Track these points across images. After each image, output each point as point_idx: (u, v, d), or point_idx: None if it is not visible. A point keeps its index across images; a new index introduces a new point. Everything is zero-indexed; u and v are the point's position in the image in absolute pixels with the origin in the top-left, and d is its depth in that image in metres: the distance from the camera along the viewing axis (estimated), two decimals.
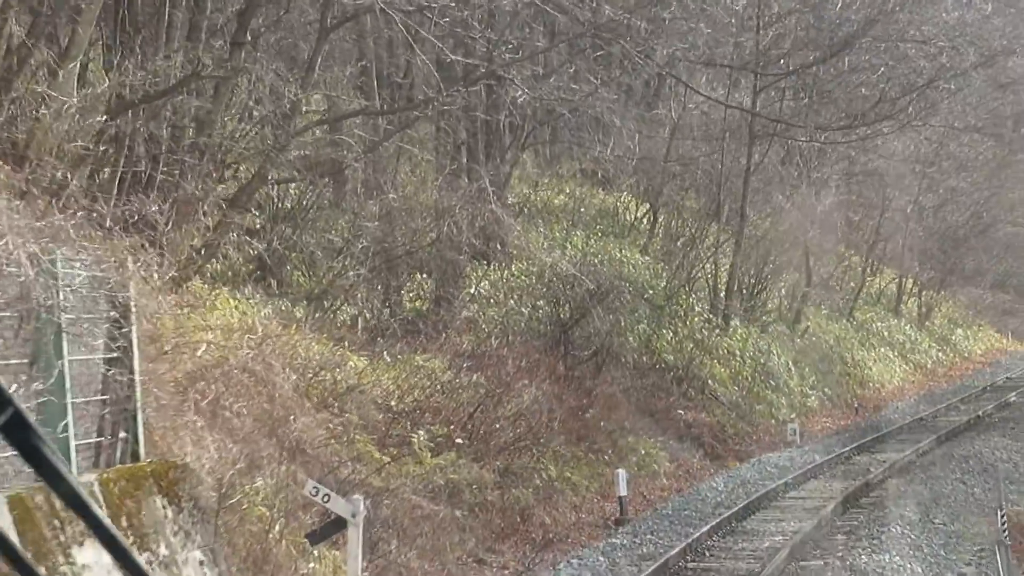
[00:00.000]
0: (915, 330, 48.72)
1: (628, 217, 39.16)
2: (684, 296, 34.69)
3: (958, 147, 51.44)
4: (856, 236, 43.07)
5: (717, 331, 34.78)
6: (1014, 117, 61.29)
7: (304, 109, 24.21)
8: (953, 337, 51.63)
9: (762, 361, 35.08)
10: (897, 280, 50.68)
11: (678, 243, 36.84)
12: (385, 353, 23.51)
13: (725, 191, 37.14)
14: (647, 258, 36.56)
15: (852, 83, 39.80)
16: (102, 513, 1.97)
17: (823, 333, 41.08)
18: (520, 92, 24.61)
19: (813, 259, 40.32)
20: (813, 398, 35.89)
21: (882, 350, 43.88)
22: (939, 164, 49.27)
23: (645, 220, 39.25)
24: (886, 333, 45.80)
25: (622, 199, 40.30)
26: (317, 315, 23.77)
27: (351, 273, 25.33)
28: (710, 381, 32.80)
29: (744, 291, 37.71)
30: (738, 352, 34.75)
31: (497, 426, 23.07)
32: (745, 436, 31.59)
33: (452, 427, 22.07)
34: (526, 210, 36.15)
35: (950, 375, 46.05)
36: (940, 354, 48.57)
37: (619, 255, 35.21)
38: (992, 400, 37.00)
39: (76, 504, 1.93)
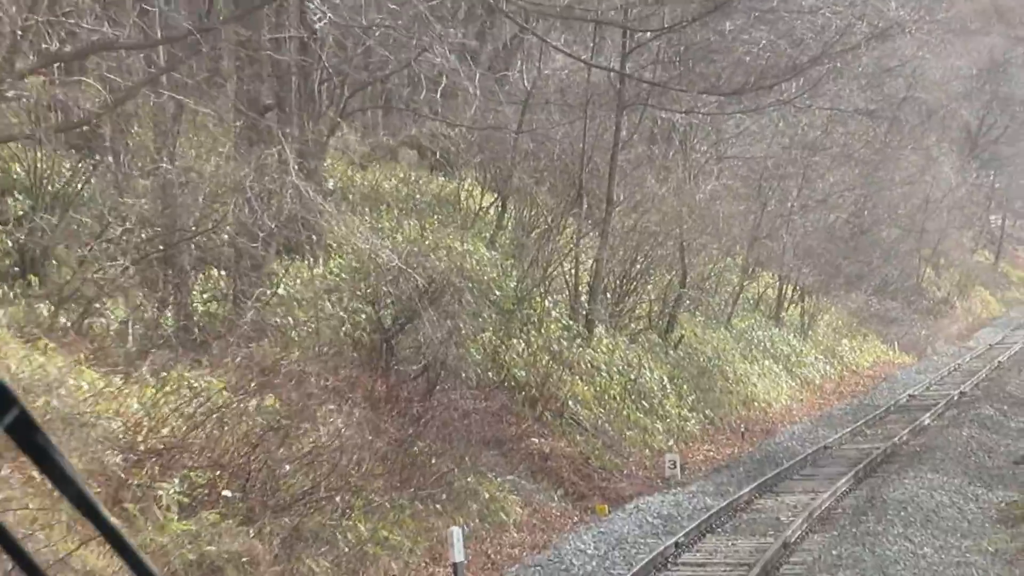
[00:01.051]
0: (799, 340, 43.79)
1: (473, 204, 33.45)
2: (539, 298, 29.10)
3: (844, 134, 46.84)
4: (739, 230, 37.87)
5: (579, 341, 29.27)
6: (898, 102, 57.72)
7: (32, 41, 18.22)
8: (839, 348, 46.85)
9: (632, 377, 29.64)
10: (778, 284, 45.73)
11: (532, 235, 31.24)
12: (145, 369, 17.54)
13: (588, 173, 31.63)
14: (495, 253, 30.93)
15: (731, 54, 34.59)
16: (111, 516, 1.98)
17: (700, 343, 35.85)
18: (317, 13, 18.65)
19: (689, 256, 35.00)
20: (693, 421, 30.56)
21: (766, 363, 38.81)
22: (824, 152, 44.53)
23: (493, 208, 33.60)
24: (768, 344, 40.75)
25: (466, 185, 34.56)
26: (65, 320, 18.25)
27: (109, 265, 19.41)
28: (571, 402, 27.27)
29: (610, 293, 32.27)
30: (604, 366, 29.28)
31: (286, 468, 17.18)
32: (614, 470, 26.07)
33: (220, 472, 16.24)
34: (350, 196, 30.35)
35: (841, 392, 41.15)
36: (827, 367, 43.70)
37: (460, 248, 29.52)
38: (902, 423, 31.99)
39: (84, 507, 1.94)
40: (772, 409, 35.59)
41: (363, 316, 22.46)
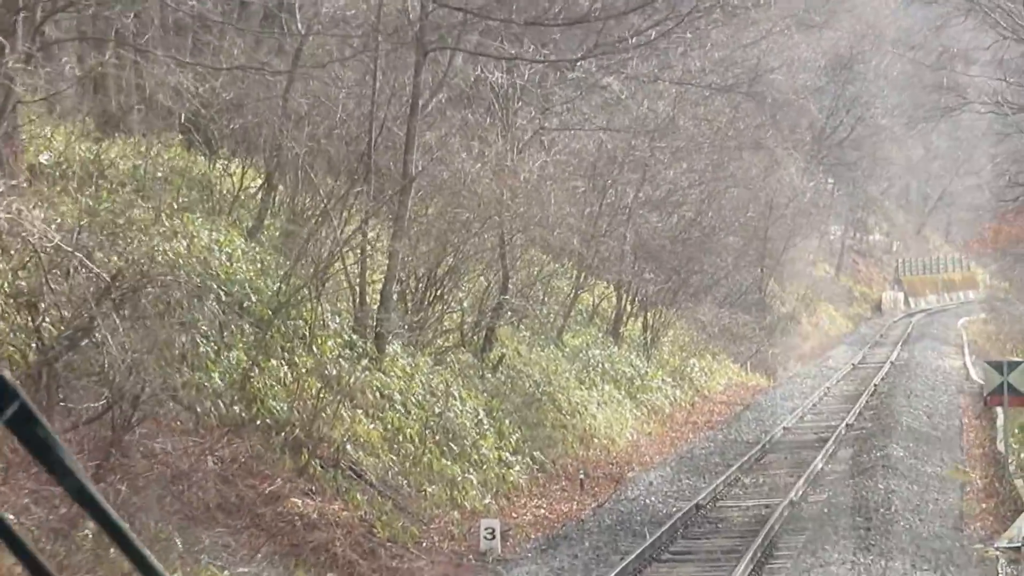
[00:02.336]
0: (642, 360, 37.11)
1: (232, 186, 26.00)
2: (310, 305, 21.78)
3: (693, 119, 40.57)
4: (574, 221, 30.98)
5: (365, 362, 22.09)
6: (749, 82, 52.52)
7: None
8: (688, 369, 40.35)
9: (437, 410, 22.49)
10: (616, 293, 39.04)
11: (305, 222, 23.98)
12: None
13: (380, 142, 24.46)
14: (258, 246, 23.55)
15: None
16: (111, 508, 2.01)
17: (526, 365, 28.91)
18: None
19: (512, 253, 28.03)
20: (518, 467, 23.52)
21: (606, 388, 32.01)
22: (672, 137, 38.12)
23: (260, 192, 26.24)
24: (607, 364, 33.97)
25: (232, 167, 27.08)
26: None
27: None
28: (350, 446, 20.11)
29: (410, 299, 25.12)
30: (398, 395, 22.11)
31: None
32: (410, 543, 19.02)
33: None
34: (73, 172, 22.72)
35: (695, 422, 34.58)
36: (676, 392, 37.13)
37: (207, 239, 22.17)
38: (789, 469, 25.25)
39: (84, 499, 1.97)
40: (617, 447, 28.75)
41: (11, 326, 14.88)
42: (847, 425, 30.34)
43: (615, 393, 32.12)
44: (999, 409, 32.42)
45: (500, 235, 27.06)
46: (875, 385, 39.29)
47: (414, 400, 22.43)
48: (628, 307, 40.09)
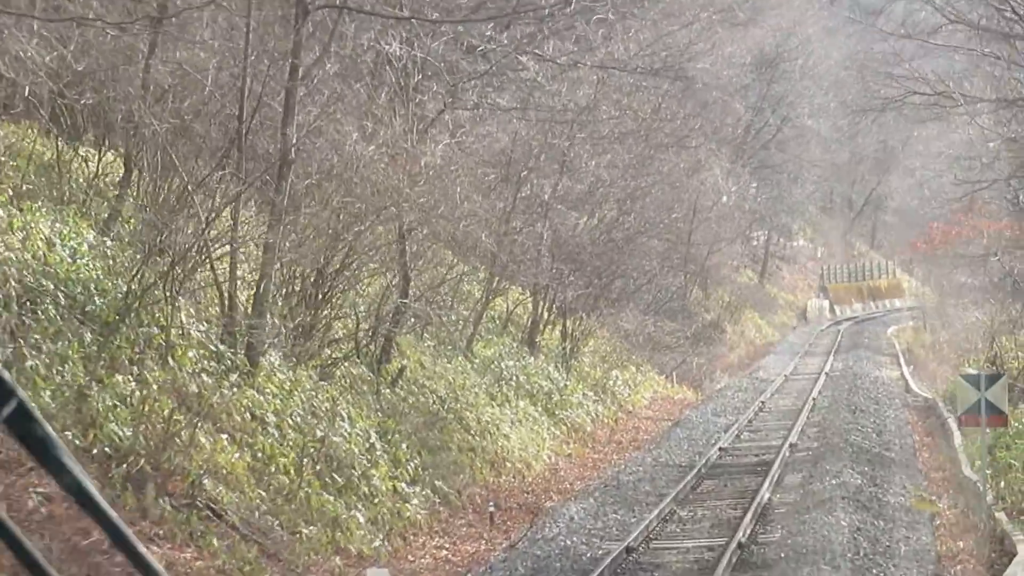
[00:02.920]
0: (561, 372, 33.81)
1: (86, 171, 22.40)
2: (165, 309, 18.26)
3: (616, 107, 37.53)
4: (484, 214, 27.59)
5: (234, 377, 18.67)
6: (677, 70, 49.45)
7: None
8: (610, 382, 37.14)
9: (320, 434, 19.03)
10: (533, 299, 35.78)
11: (165, 211, 20.43)
12: None
13: (259, 122, 21.06)
14: (109, 241, 20.00)
15: None
16: (109, 507, 2.02)
17: (430, 379, 25.55)
18: None
19: (412, 250, 24.66)
20: (416, 501, 20.11)
21: (520, 404, 28.70)
22: (595, 125, 35.01)
23: (113, 175, 22.66)
24: (522, 377, 30.66)
25: (86, 150, 23.44)
26: None
27: None
28: (208, 480, 16.66)
29: (291, 302, 21.66)
30: (273, 417, 18.64)
31: None
32: None
33: None
34: None
35: (619, 441, 31.37)
36: (598, 407, 33.89)
37: (49, 231, 18.67)
38: (731, 500, 21.89)
39: (82, 497, 1.97)
40: (532, 472, 25.42)
41: None
42: (791, 445, 27.15)
43: (531, 410, 28.82)
44: (955, 427, 29.57)
45: (399, 228, 23.66)
46: (814, 399, 36.25)
47: (292, 422, 18.97)
48: (545, 314, 36.85)
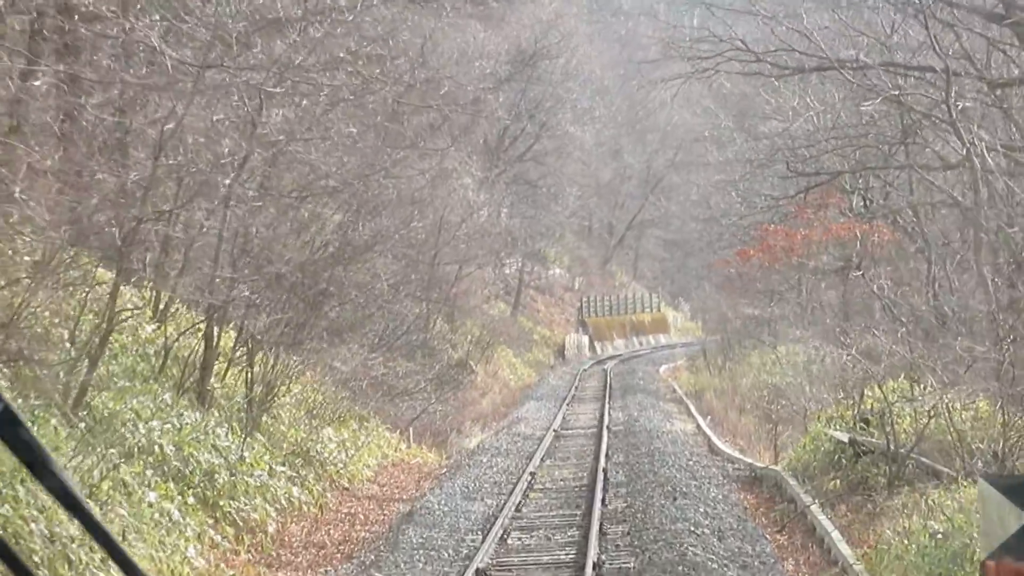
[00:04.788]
0: (240, 436, 22.74)
1: None
2: None
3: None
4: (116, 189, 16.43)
5: None
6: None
7: None
8: (318, 446, 26.38)
9: None
10: (207, 326, 24.73)
11: None
12: None
13: None
14: None
15: None
16: (95, 509, 2.12)
17: None
18: None
19: None
20: None
21: (149, 497, 17.61)
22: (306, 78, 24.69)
23: None
24: (171, 448, 19.65)
25: None
26: None
27: None
28: None
29: None
30: None
31: None
32: None
33: None
34: None
35: (320, 545, 20.60)
36: (295, 489, 22.98)
37: None
38: None
39: (67, 501, 2.11)
40: None
41: None
42: (595, 566, 16.71)
43: (169, 505, 17.75)
44: (826, 522, 20.03)
45: None
46: (604, 471, 25.99)
47: None
48: (226, 348, 25.93)
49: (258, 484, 21.62)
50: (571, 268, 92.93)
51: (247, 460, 22.05)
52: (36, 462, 2.02)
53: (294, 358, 27.81)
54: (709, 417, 39.74)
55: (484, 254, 59.06)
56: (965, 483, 18.49)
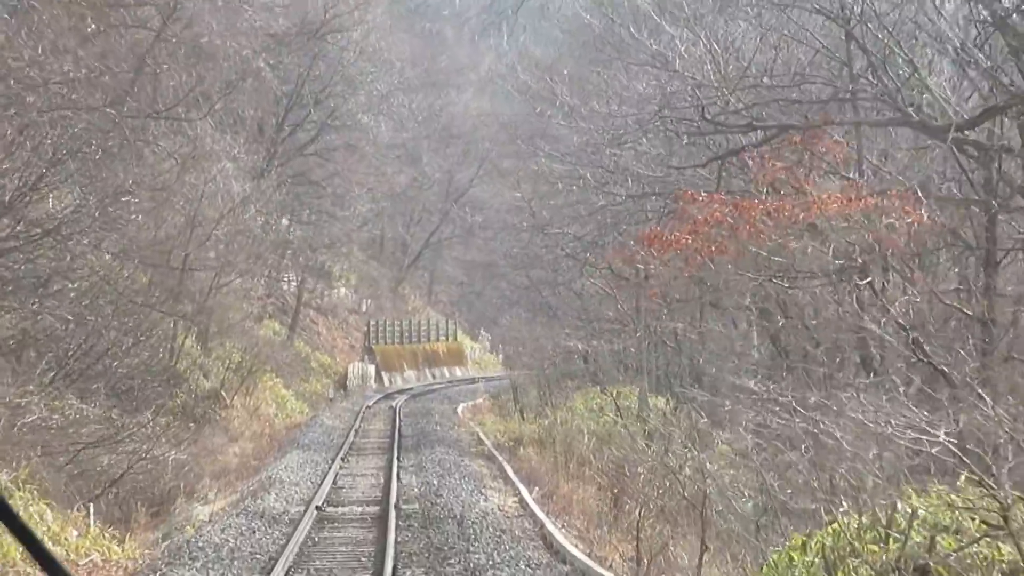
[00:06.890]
0: None
1: None
2: None
3: None
4: None
5: None
6: None
7: None
8: None
9: None
10: None
11: None
12: None
13: None
14: None
15: None
16: (20, 514, 2.12)
17: None
18: None
19: None
20: None
21: None
22: None
23: None
24: None
25: None
26: None
27: None
28: None
29: None
30: None
31: None
32: None
33: None
34: None
35: None
36: None
37: None
38: None
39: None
40: None
41: None
42: None
43: None
44: None
45: None
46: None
47: None
48: None
49: None
50: (358, 288, 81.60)
51: None
52: None
53: None
54: (536, 488, 28.73)
55: (248, 260, 47.28)
56: None
